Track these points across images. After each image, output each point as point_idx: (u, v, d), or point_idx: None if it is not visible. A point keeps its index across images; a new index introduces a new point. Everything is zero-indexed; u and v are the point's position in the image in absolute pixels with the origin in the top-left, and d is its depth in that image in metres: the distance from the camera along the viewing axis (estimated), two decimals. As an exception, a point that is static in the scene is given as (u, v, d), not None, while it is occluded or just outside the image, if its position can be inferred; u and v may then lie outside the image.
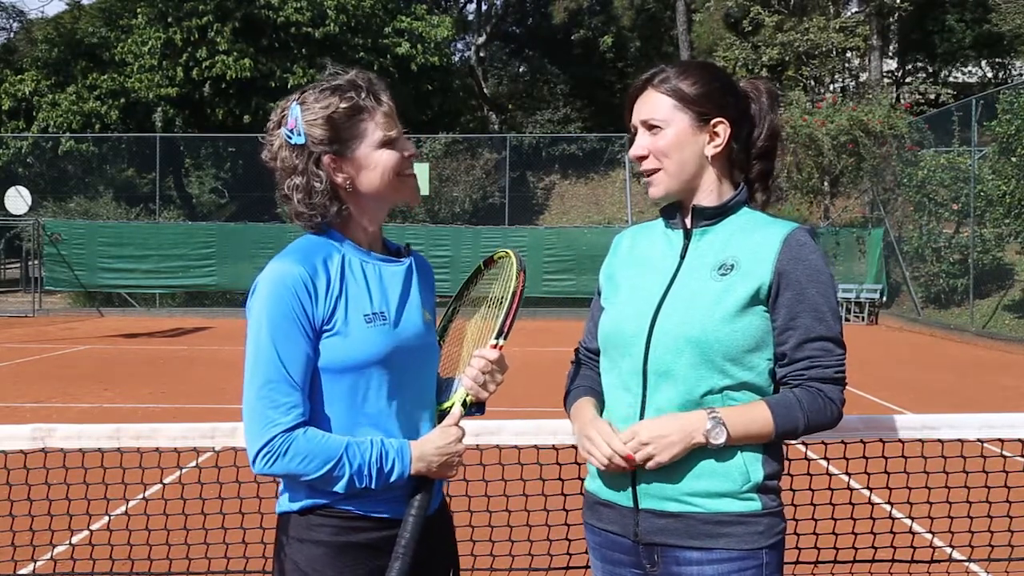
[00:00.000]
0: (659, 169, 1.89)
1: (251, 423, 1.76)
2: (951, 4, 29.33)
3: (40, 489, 3.07)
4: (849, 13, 28.59)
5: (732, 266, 1.83)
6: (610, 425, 1.85)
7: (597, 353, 2.01)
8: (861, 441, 2.65)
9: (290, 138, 1.83)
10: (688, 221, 1.93)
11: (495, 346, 1.88)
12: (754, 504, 1.79)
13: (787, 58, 26.55)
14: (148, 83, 26.59)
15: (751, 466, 1.80)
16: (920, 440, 2.66)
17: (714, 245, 1.88)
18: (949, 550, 3.52)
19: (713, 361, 1.78)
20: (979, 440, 2.68)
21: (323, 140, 1.82)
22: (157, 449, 2.69)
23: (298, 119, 1.82)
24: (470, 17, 38.20)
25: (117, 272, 22.32)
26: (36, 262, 22.97)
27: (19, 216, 22.94)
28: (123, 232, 22.87)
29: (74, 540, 3.24)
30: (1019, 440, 2.64)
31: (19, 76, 28.30)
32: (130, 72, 27.00)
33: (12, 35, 39.25)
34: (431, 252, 21.12)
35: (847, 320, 19.75)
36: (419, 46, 27.73)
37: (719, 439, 1.75)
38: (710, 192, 1.91)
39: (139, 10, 27.08)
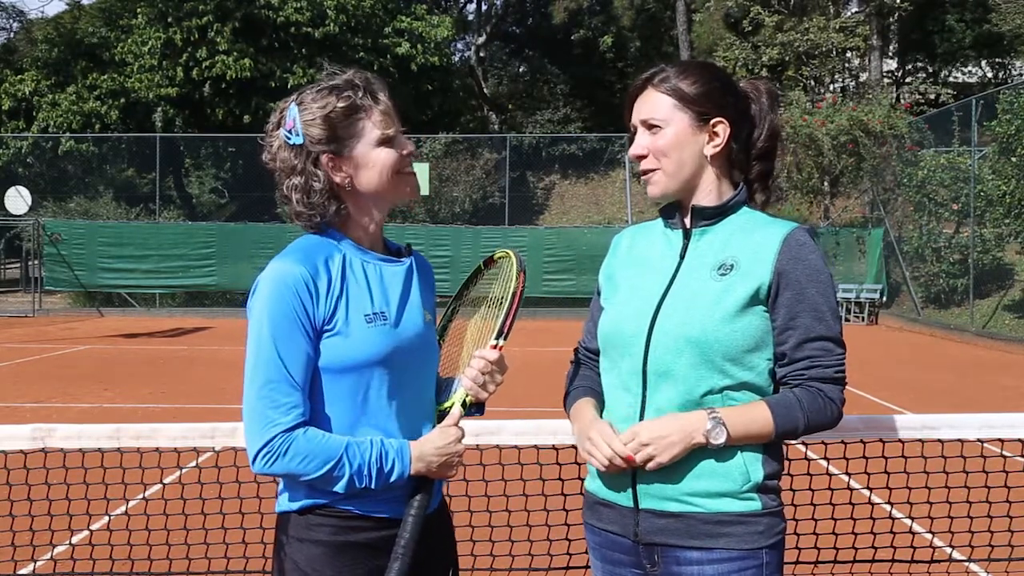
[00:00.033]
0: (658, 168, 1.89)
1: (251, 423, 1.76)
2: (951, 4, 29.33)
3: (40, 489, 3.07)
4: (849, 13, 28.59)
5: (732, 266, 1.83)
6: (610, 426, 1.85)
7: (597, 353, 2.01)
8: (861, 441, 2.65)
9: (289, 138, 1.83)
10: (688, 221, 1.93)
11: (495, 346, 1.88)
12: (754, 504, 1.79)
13: (787, 58, 26.55)
14: (148, 83, 26.60)
15: (751, 466, 1.80)
16: (920, 440, 2.66)
17: (713, 245, 1.88)
18: (949, 550, 3.52)
19: (713, 361, 1.78)
20: (979, 440, 2.68)
21: (321, 140, 1.82)
22: (157, 449, 2.69)
23: (296, 119, 1.82)
24: (470, 17, 38.20)
25: (117, 272, 22.32)
26: (36, 262, 22.98)
27: (19, 216, 22.94)
28: (123, 232, 22.88)
29: (74, 540, 3.24)
30: (1019, 440, 2.64)
31: (19, 76, 28.31)
32: (130, 72, 27.01)
33: (12, 35, 39.26)
34: (431, 252, 21.12)
35: (847, 320, 19.75)
36: (419, 46, 27.73)
37: (719, 439, 1.75)
38: (709, 192, 1.91)
39: (139, 10, 27.08)
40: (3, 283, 30.78)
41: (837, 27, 26.21)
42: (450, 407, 1.91)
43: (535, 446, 2.75)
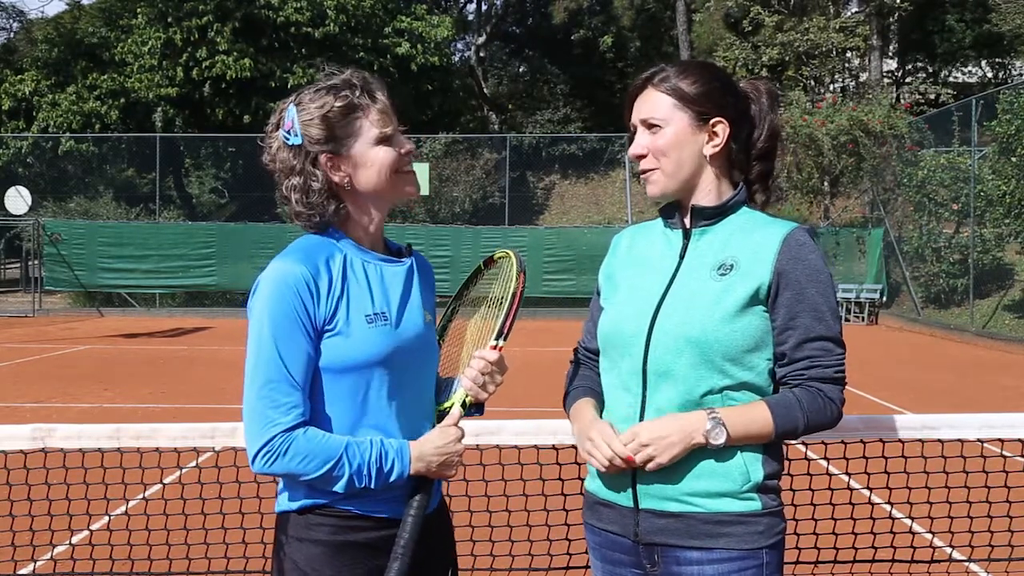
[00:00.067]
0: (657, 168, 1.89)
1: (251, 422, 1.76)
2: (951, 4, 29.33)
3: (40, 489, 3.07)
4: (849, 13, 28.59)
5: (731, 266, 1.83)
6: (611, 426, 1.85)
7: (596, 353, 2.01)
8: (861, 441, 2.65)
9: (287, 139, 1.84)
10: (687, 221, 1.93)
11: (495, 347, 1.88)
12: (754, 504, 1.79)
13: (787, 58, 26.55)
14: (148, 83, 26.60)
15: (751, 466, 1.80)
16: (920, 440, 2.66)
17: (713, 245, 1.88)
18: (949, 550, 3.52)
19: (713, 361, 1.78)
20: (979, 440, 2.68)
21: (319, 139, 1.82)
22: (157, 449, 2.69)
23: (294, 120, 1.83)
24: (470, 17, 38.20)
25: (117, 272, 22.32)
26: (36, 262, 22.98)
27: (19, 216, 22.94)
28: (123, 232, 22.88)
29: (74, 540, 3.24)
30: (1019, 440, 2.64)
31: (19, 76, 28.31)
32: (130, 72, 27.01)
33: (12, 35, 39.26)
34: (431, 252, 21.12)
35: (847, 320, 19.75)
36: (419, 46, 27.73)
37: (719, 439, 1.75)
38: (709, 192, 1.91)
39: (139, 10, 27.08)
40: (3, 283, 30.78)
41: (837, 27, 26.21)
42: (450, 407, 1.91)
43: (535, 446, 2.75)
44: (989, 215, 17.23)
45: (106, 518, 3.59)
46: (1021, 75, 30.46)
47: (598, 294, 2.04)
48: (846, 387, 1.85)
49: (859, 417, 2.49)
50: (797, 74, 26.35)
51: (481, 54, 36.66)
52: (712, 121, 1.87)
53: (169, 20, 26.41)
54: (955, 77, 31.89)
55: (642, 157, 1.91)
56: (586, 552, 2.01)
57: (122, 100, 27.02)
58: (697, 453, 1.78)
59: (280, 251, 1.86)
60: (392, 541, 1.80)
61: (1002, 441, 2.69)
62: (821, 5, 27.00)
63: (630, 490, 1.84)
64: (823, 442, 2.53)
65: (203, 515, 3.22)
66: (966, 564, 3.71)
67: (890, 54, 30.97)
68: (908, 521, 3.56)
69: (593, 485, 1.94)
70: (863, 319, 20.31)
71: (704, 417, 1.76)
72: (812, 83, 26.50)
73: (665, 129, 1.87)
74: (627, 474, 1.83)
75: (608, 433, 1.82)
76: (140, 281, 22.42)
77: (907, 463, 3.07)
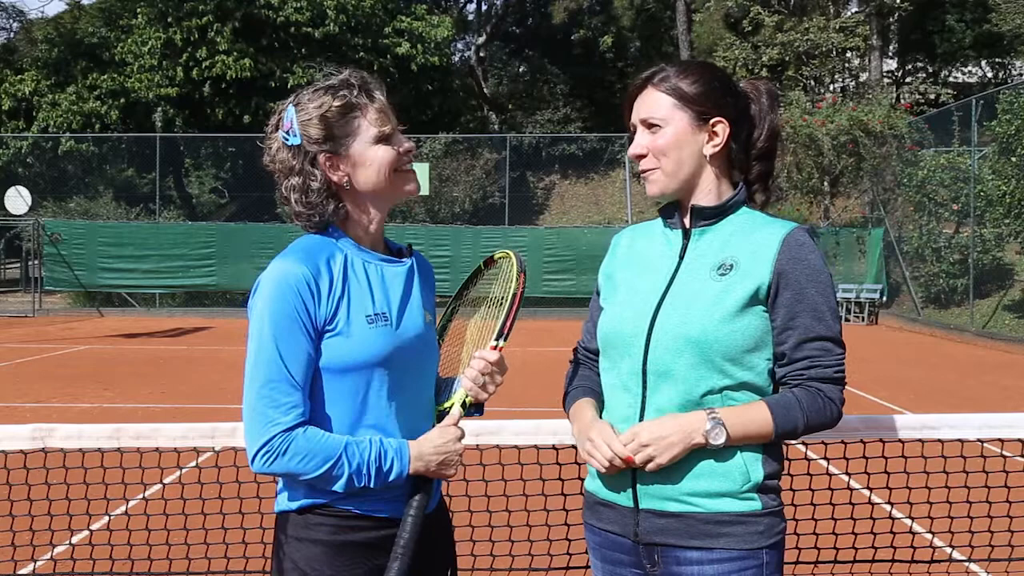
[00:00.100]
0: (657, 167, 1.89)
1: (251, 422, 1.76)
2: (951, 4, 29.33)
3: (40, 489, 3.07)
4: (849, 13, 28.58)
5: (731, 266, 1.83)
6: (611, 426, 1.85)
7: (596, 353, 2.01)
8: (861, 441, 2.65)
9: (287, 139, 1.84)
10: (687, 221, 1.93)
11: (495, 347, 1.88)
12: (754, 504, 1.79)
13: (787, 58, 26.55)
14: (148, 83, 26.60)
15: (751, 466, 1.80)
16: (920, 440, 2.66)
17: (713, 245, 1.88)
18: (949, 550, 3.52)
19: (713, 361, 1.78)
20: (979, 440, 2.68)
21: (318, 139, 1.83)
22: (157, 449, 2.69)
23: (293, 120, 1.83)
24: (470, 17, 38.20)
25: (117, 272, 22.32)
26: (36, 262, 22.98)
27: (19, 216, 22.94)
28: (123, 232, 22.88)
29: (74, 540, 3.24)
30: (1019, 440, 2.64)
31: (19, 76, 28.32)
32: (130, 72, 27.01)
33: (12, 35, 39.26)
34: (431, 252, 21.13)
35: (847, 320, 19.76)
36: (419, 46, 27.73)
37: (719, 439, 1.75)
38: (709, 192, 1.91)
39: (139, 10, 27.09)
40: (3, 283, 30.79)
41: (837, 27, 26.21)
42: (450, 407, 1.91)
43: (535, 446, 2.75)
44: (989, 215, 17.23)
45: (106, 518, 3.59)
46: (1021, 75, 30.46)
47: (598, 294, 2.04)
48: (846, 387, 1.85)
49: (859, 417, 2.49)
50: (797, 74, 26.35)
51: (481, 54, 36.66)
52: (712, 121, 1.87)
53: (169, 20, 26.42)
54: (955, 77, 31.89)
55: (642, 157, 1.91)
56: (586, 552, 2.01)
57: (122, 100, 27.02)
58: (697, 453, 1.78)
59: (280, 251, 1.86)
60: (391, 541, 1.80)
61: (1002, 441, 2.69)
62: (821, 5, 27.00)
63: (630, 490, 1.84)
64: (823, 442, 2.53)
65: (203, 515, 3.22)
66: (966, 564, 3.71)
67: (890, 54, 30.98)
68: (908, 521, 3.56)
69: (593, 485, 1.94)
70: (863, 319, 20.31)
71: (704, 417, 1.76)
72: (812, 83, 26.49)
73: (665, 129, 1.87)
74: (627, 474, 1.83)
75: (608, 433, 1.82)
76: (140, 281, 22.43)
77: (907, 463, 3.07)
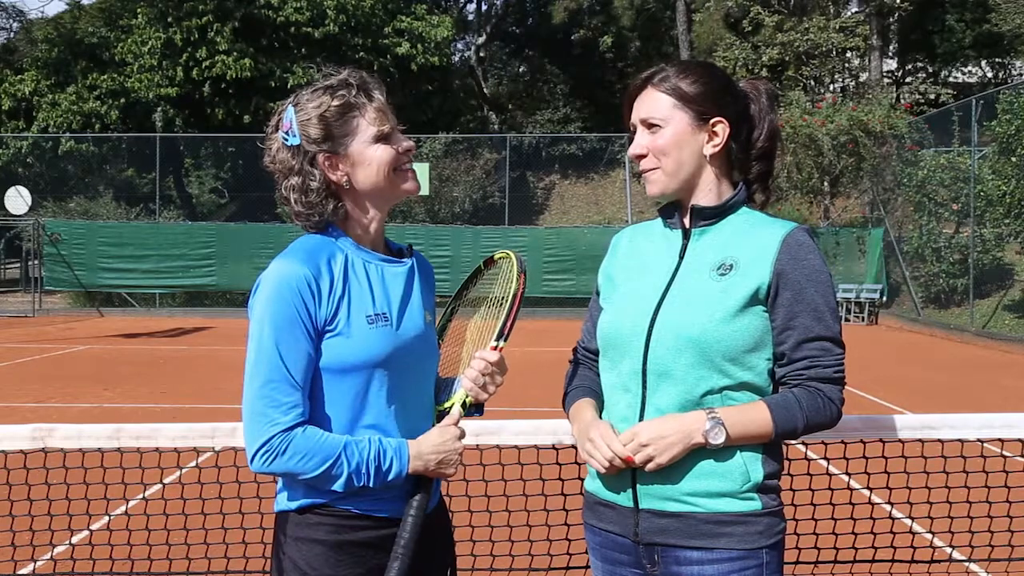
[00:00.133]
0: (657, 167, 1.89)
1: (251, 422, 1.76)
2: (951, 4, 29.33)
3: (40, 489, 3.07)
4: (849, 13, 28.59)
5: (731, 266, 1.83)
6: (611, 426, 1.85)
7: (596, 353, 2.01)
8: (861, 441, 2.65)
9: (286, 140, 1.85)
10: (687, 221, 1.93)
11: (495, 348, 1.88)
12: (754, 504, 1.79)
13: (787, 58, 26.55)
14: (148, 83, 26.60)
15: (751, 466, 1.80)
16: (920, 440, 2.66)
17: (713, 245, 1.88)
18: (949, 550, 3.51)
19: (712, 361, 1.78)
20: (979, 440, 2.68)
21: (317, 139, 1.83)
22: (157, 449, 2.69)
23: (292, 121, 1.84)
24: (470, 17, 38.20)
25: (117, 272, 22.32)
26: (36, 262, 22.98)
27: (19, 216, 22.94)
28: (123, 232, 22.88)
29: (74, 540, 3.24)
30: (1019, 440, 2.64)
31: (19, 76, 28.32)
32: (130, 72, 27.02)
33: (12, 35, 39.26)
34: (431, 252, 21.13)
35: (847, 320, 19.75)
36: (419, 46, 27.74)
37: (718, 439, 1.75)
38: (709, 192, 1.91)
39: (139, 10, 27.09)
40: (3, 283, 30.79)
41: (837, 27, 26.21)
42: (450, 407, 1.91)
43: (535, 446, 2.75)
44: (989, 215, 17.23)
45: (106, 518, 3.59)
46: (1021, 75, 30.46)
47: (597, 294, 2.04)
48: (846, 387, 1.85)
49: (859, 417, 2.49)
50: (797, 74, 26.35)
51: (481, 54, 36.66)
52: (712, 121, 1.87)
53: (169, 20, 26.42)
54: (955, 77, 31.89)
55: (642, 157, 1.91)
56: (586, 552, 2.01)
57: (122, 100, 27.03)
58: (697, 453, 1.78)
59: (280, 251, 1.86)
60: (391, 540, 1.80)
61: (1002, 441, 2.69)
62: (821, 5, 27.00)
63: (630, 490, 1.84)
64: (823, 442, 2.53)
65: (203, 515, 3.22)
66: (966, 564, 3.71)
67: (890, 54, 30.98)
68: (908, 521, 3.56)
69: (593, 485, 1.94)
70: (863, 319, 20.31)
71: (703, 417, 1.76)
72: (812, 83, 26.49)
73: (665, 129, 1.87)
74: (627, 474, 1.83)
75: (608, 433, 1.82)
76: (140, 281, 22.43)
77: (907, 463, 3.07)
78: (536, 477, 3.15)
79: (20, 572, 3.89)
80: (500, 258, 2.06)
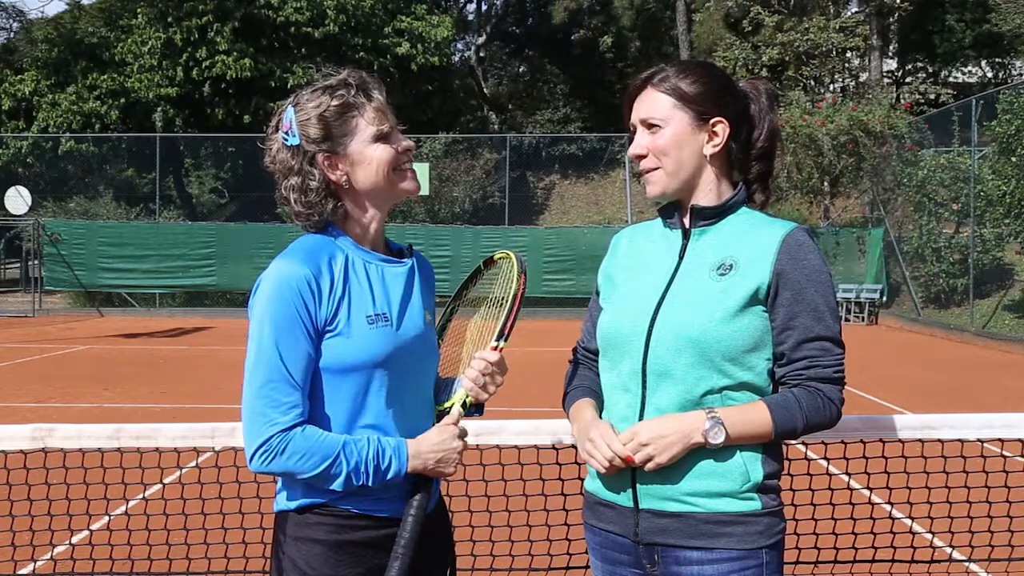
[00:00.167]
0: (658, 167, 1.89)
1: (250, 421, 1.77)
2: (951, 4, 29.33)
3: (40, 489, 3.07)
4: (849, 13, 28.59)
5: (731, 266, 1.83)
6: (611, 426, 1.85)
7: (596, 353, 2.01)
8: (861, 441, 2.65)
9: (286, 140, 1.85)
10: (687, 221, 1.93)
11: (495, 348, 1.88)
12: (754, 504, 1.79)
13: (787, 58, 26.55)
14: (148, 83, 26.61)
15: (751, 466, 1.80)
16: (920, 440, 2.66)
17: (713, 245, 1.88)
18: (949, 550, 3.51)
19: (712, 361, 1.78)
20: (979, 440, 2.68)
21: (316, 139, 1.84)
22: (157, 449, 2.70)
23: (292, 121, 1.84)
24: (470, 17, 38.20)
25: (117, 272, 22.32)
26: (36, 262, 22.98)
27: (19, 216, 22.94)
28: (123, 232, 22.88)
29: (74, 540, 3.24)
30: (1019, 440, 2.64)
31: (19, 76, 28.32)
32: (130, 72, 27.02)
33: (12, 35, 39.27)
34: (431, 252, 21.13)
35: (847, 320, 19.75)
36: (419, 46, 27.74)
37: (718, 439, 1.75)
38: (709, 192, 1.91)
39: (139, 10, 27.09)
40: (3, 283, 30.79)
41: (837, 27, 26.21)
42: (450, 407, 1.91)
43: (535, 446, 2.75)
44: (989, 215, 17.23)
45: (106, 518, 3.59)
46: (1021, 75, 30.47)
47: (597, 294, 2.04)
48: (845, 387, 1.85)
49: (859, 417, 2.49)
50: (797, 74, 26.35)
51: (481, 54, 36.66)
52: (712, 121, 1.87)
53: (169, 20, 26.42)
54: (955, 77, 31.89)
55: (642, 157, 1.91)
56: (586, 552, 2.01)
57: (122, 100, 27.03)
58: (696, 453, 1.78)
59: (280, 251, 1.87)
60: (390, 540, 1.80)
61: (1002, 441, 2.69)
62: (821, 5, 27.00)
63: (630, 490, 1.84)
64: (823, 442, 2.53)
65: (203, 515, 3.22)
66: (966, 564, 3.71)
67: (890, 54, 30.98)
68: (908, 521, 3.56)
69: (593, 485, 1.94)
70: (863, 319, 20.31)
71: (703, 417, 1.76)
72: (812, 83, 26.49)
73: (665, 129, 1.87)
74: (627, 474, 1.83)
75: (608, 433, 1.82)
76: (140, 281, 22.43)
77: (907, 463, 3.07)
78: (536, 477, 3.15)
79: (20, 572, 3.89)
80: (500, 258, 2.06)
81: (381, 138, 1.87)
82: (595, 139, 29.89)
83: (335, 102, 1.84)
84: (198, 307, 22.47)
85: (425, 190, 22.33)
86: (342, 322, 1.80)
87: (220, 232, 23.04)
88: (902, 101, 25.72)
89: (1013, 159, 15.86)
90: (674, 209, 1.96)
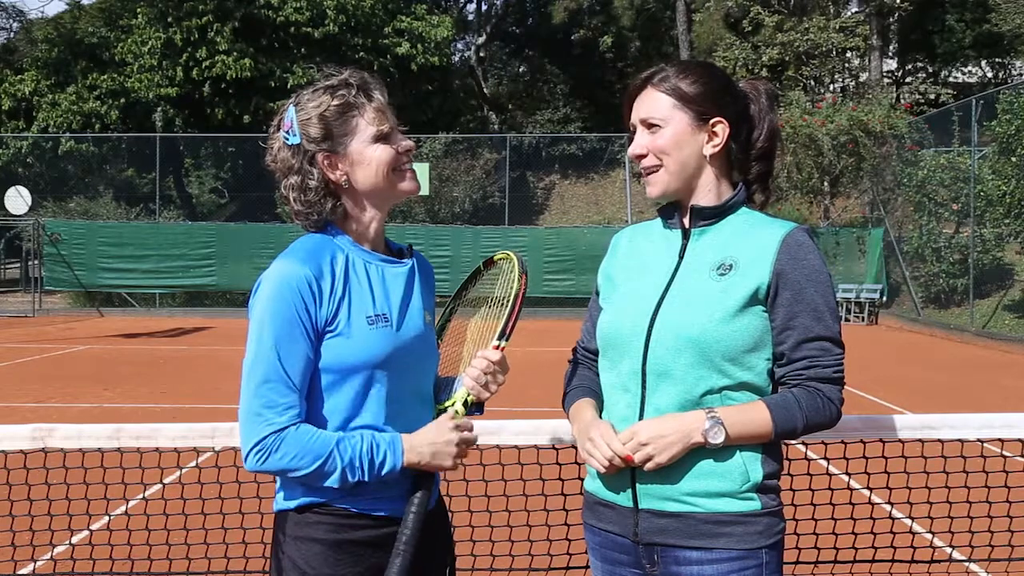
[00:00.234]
0: (658, 167, 1.89)
1: (246, 421, 1.77)
2: (951, 4, 29.34)
3: (40, 489, 3.07)
4: (849, 13, 28.59)
5: (731, 266, 1.83)
6: (611, 426, 1.85)
7: (595, 353, 2.01)
8: (861, 441, 2.65)
9: (287, 139, 1.86)
10: (687, 221, 1.93)
11: (497, 347, 1.88)
12: (753, 504, 1.79)
13: (787, 58, 26.55)
14: (148, 83, 26.61)
15: (750, 466, 1.80)
16: (920, 440, 2.66)
17: (713, 245, 1.88)
18: (949, 550, 3.51)
19: (712, 361, 1.78)
20: (979, 440, 2.68)
21: (316, 138, 1.84)
22: (157, 449, 2.70)
23: (293, 120, 1.85)
24: (470, 17, 38.20)
25: (117, 272, 22.32)
26: (36, 262, 22.98)
27: (19, 216, 22.94)
28: (123, 232, 22.88)
29: (74, 540, 3.24)
30: (1019, 440, 2.64)
31: (19, 76, 28.32)
32: (130, 72, 27.02)
33: (12, 35, 39.26)
34: (431, 252, 21.13)
35: (847, 320, 19.76)
36: (419, 46, 27.74)
37: (717, 439, 1.75)
38: (708, 192, 1.91)
39: (139, 10, 27.09)
40: (3, 283, 30.79)
41: (837, 27, 26.21)
42: (451, 406, 1.91)
43: (535, 446, 2.75)
44: (989, 215, 17.23)
45: (106, 518, 3.59)
46: (1021, 75, 30.47)
47: (597, 294, 2.04)
48: (845, 387, 1.85)
49: (859, 417, 2.49)
50: (797, 74, 26.35)
51: (481, 54, 36.66)
52: (712, 121, 1.88)
53: (169, 20, 26.42)
54: (955, 77, 31.89)
55: (642, 157, 1.91)
56: (586, 552, 2.01)
57: (122, 100, 27.03)
58: (696, 453, 1.78)
59: (280, 251, 1.87)
60: (390, 539, 1.80)
61: (1002, 441, 2.69)
62: (821, 5, 27.01)
63: (629, 490, 1.84)
64: (823, 442, 2.53)
65: (203, 515, 3.22)
66: (966, 564, 3.71)
67: (890, 54, 30.98)
68: (908, 521, 3.56)
69: (593, 485, 1.94)
70: (863, 319, 20.31)
71: (703, 416, 1.76)
72: (812, 83, 26.49)
73: (665, 129, 1.87)
74: (626, 474, 1.83)
75: (608, 433, 1.82)
76: (140, 281, 22.43)
77: (907, 463, 3.07)
78: (536, 477, 3.15)
79: (20, 572, 3.89)
80: (500, 259, 2.06)
81: (381, 138, 1.87)
82: (595, 139, 29.89)
83: (336, 102, 1.84)
84: (198, 307, 22.47)
85: (425, 190, 22.33)
86: (342, 322, 1.80)
87: (220, 232, 23.04)
88: (902, 101, 25.72)
89: (1013, 159, 15.86)
90: (674, 209, 1.96)
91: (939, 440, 2.65)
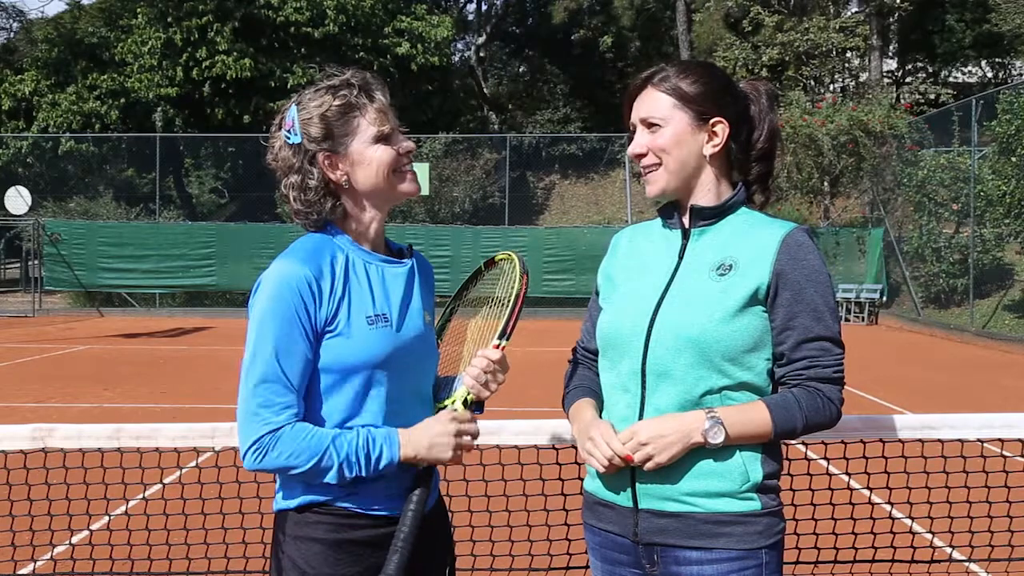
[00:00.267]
0: (658, 166, 1.89)
1: (244, 420, 1.77)
2: (951, 4, 29.33)
3: (40, 489, 3.07)
4: (849, 13, 28.59)
5: (730, 266, 1.83)
6: (611, 426, 1.85)
7: (595, 353, 2.01)
8: (861, 441, 2.65)
9: (288, 138, 1.86)
10: (686, 221, 1.93)
11: (497, 346, 1.88)
12: (753, 504, 1.79)
13: (787, 58, 26.55)
14: (148, 83, 26.61)
15: (750, 466, 1.80)
16: (920, 440, 2.66)
17: (712, 245, 1.88)
18: (949, 550, 3.51)
19: (712, 361, 1.78)
20: (979, 440, 2.68)
21: (317, 138, 1.84)
22: (157, 449, 2.70)
23: (294, 119, 1.85)
24: (470, 17, 38.20)
25: (117, 272, 22.32)
26: (36, 262, 22.98)
27: (19, 216, 22.94)
28: (123, 232, 22.88)
29: (74, 540, 3.24)
30: (1019, 440, 2.64)
31: (19, 76, 28.33)
32: (130, 72, 27.02)
33: (12, 35, 39.26)
34: (431, 252, 21.13)
35: (847, 320, 19.76)
36: (419, 46, 27.74)
37: (717, 439, 1.75)
38: (708, 192, 1.91)
39: (139, 10, 27.10)
40: (3, 283, 30.79)
41: (837, 27, 26.21)
42: (451, 404, 1.91)
43: (535, 446, 2.75)
44: (989, 215, 17.22)
45: (106, 518, 3.60)
46: (1021, 75, 30.46)
47: (597, 294, 2.04)
48: (845, 387, 1.85)
49: (859, 417, 2.49)
50: (797, 74, 26.35)
51: (481, 54, 36.66)
52: (712, 121, 1.88)
53: (169, 20, 26.42)
54: (955, 77, 31.89)
55: (642, 156, 1.91)
56: (586, 552, 2.01)
57: (122, 100, 27.03)
58: (696, 453, 1.78)
59: (280, 251, 1.87)
60: (389, 539, 1.80)
61: (1002, 441, 2.69)
62: (821, 5, 27.00)
63: (629, 490, 1.84)
64: (823, 442, 2.53)
65: (203, 515, 3.22)
66: (966, 564, 3.71)
67: (890, 54, 30.98)
68: (908, 521, 3.56)
69: (592, 485, 1.94)
70: (863, 319, 20.31)
71: (702, 416, 1.76)
72: (812, 83, 26.49)
73: (665, 128, 1.87)
74: (626, 474, 1.83)
75: (608, 432, 1.82)
76: (140, 281, 22.43)
77: (907, 463, 3.07)
78: (536, 477, 3.15)
79: (20, 572, 3.89)
80: (501, 259, 2.06)
81: (382, 139, 1.87)
82: (595, 139, 29.89)
83: (337, 102, 1.84)
84: (198, 307, 22.47)
85: (425, 190, 22.33)
86: (342, 322, 1.80)
87: (220, 232, 23.04)
88: (902, 101, 25.72)
89: (1013, 159, 15.86)
90: (673, 209, 1.96)
91: (939, 440, 2.65)
